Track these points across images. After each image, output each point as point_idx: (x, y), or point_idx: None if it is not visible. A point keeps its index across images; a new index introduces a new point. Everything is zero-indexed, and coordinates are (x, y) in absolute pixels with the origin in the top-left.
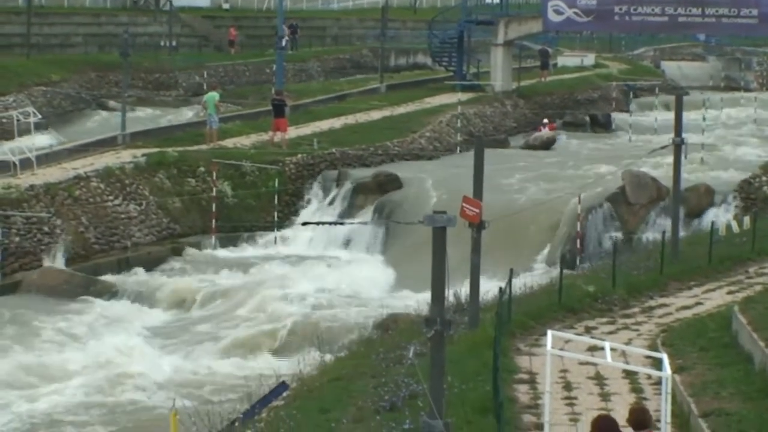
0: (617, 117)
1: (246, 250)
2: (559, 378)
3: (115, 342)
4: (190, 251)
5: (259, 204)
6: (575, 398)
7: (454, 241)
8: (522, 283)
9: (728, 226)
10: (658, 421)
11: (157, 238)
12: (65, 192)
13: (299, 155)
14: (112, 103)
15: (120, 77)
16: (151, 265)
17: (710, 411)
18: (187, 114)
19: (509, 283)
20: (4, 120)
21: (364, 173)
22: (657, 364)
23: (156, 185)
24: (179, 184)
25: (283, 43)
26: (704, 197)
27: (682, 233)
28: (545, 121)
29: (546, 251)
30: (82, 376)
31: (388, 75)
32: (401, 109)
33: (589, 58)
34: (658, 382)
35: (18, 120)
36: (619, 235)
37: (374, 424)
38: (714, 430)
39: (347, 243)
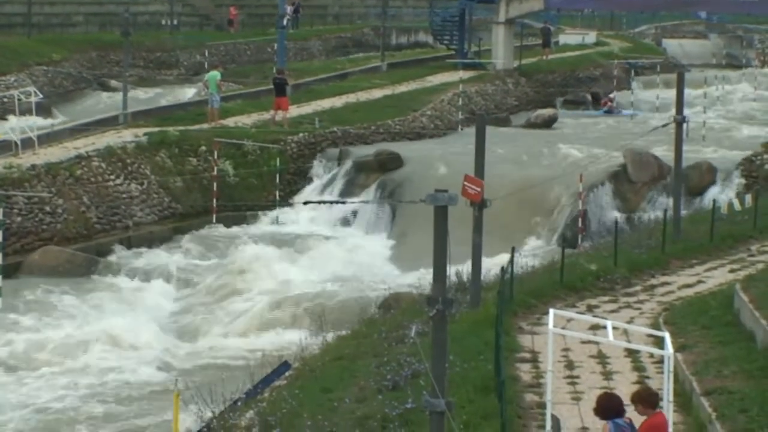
0: (619, 95)
1: (248, 229)
2: (561, 357)
3: (117, 322)
4: (192, 230)
5: (261, 183)
6: (577, 377)
7: (457, 219)
8: (524, 261)
9: (730, 204)
10: (661, 399)
11: (158, 218)
12: (67, 172)
13: (301, 134)
14: (113, 82)
15: (121, 56)
16: (152, 244)
17: (712, 389)
18: (188, 93)
19: (511, 261)
20: (5, 99)
21: (365, 152)
22: (659, 342)
23: (157, 164)
24: (181, 163)
25: (285, 21)
26: (706, 175)
27: (683, 211)
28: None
29: (547, 229)
30: (83, 355)
31: (390, 53)
32: (402, 88)
33: (591, 36)
34: (661, 361)
35: (19, 99)
36: (620, 213)
37: (376, 404)
38: (716, 408)
39: (349, 222)
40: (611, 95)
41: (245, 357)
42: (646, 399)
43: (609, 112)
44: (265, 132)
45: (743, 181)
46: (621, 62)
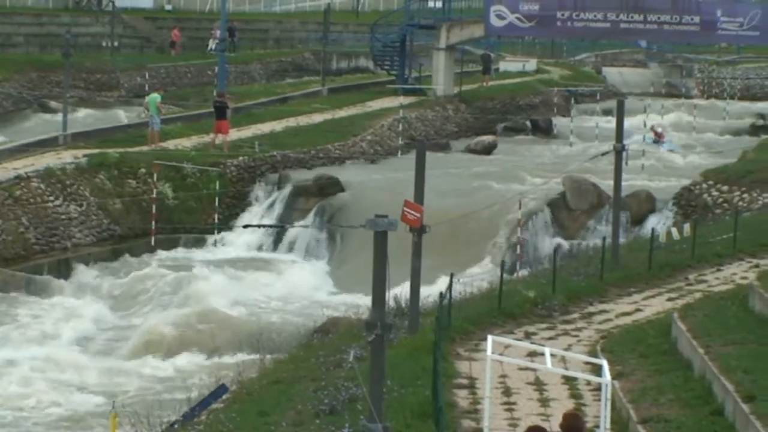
0: (559, 122)
1: (186, 252)
2: (499, 383)
3: (53, 342)
4: (130, 252)
5: (200, 206)
6: (514, 403)
7: (396, 244)
8: (462, 288)
9: (669, 233)
10: (597, 427)
11: (97, 239)
12: (5, 192)
13: (240, 157)
14: (53, 103)
15: (61, 77)
16: (91, 265)
17: (649, 417)
18: (127, 115)
19: (449, 287)
20: None
21: (305, 176)
22: (596, 370)
23: (97, 186)
24: (120, 185)
25: (212, 45)
26: (645, 204)
27: (622, 240)
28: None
29: (486, 256)
30: (17, 378)
31: (330, 78)
32: (343, 113)
33: (531, 64)
34: (598, 388)
35: None
36: (559, 240)
37: (314, 428)
38: None
39: (288, 246)
40: (658, 126)
41: (182, 380)
42: (572, 423)
43: (656, 142)
44: (204, 155)
45: (681, 210)
46: (561, 90)
